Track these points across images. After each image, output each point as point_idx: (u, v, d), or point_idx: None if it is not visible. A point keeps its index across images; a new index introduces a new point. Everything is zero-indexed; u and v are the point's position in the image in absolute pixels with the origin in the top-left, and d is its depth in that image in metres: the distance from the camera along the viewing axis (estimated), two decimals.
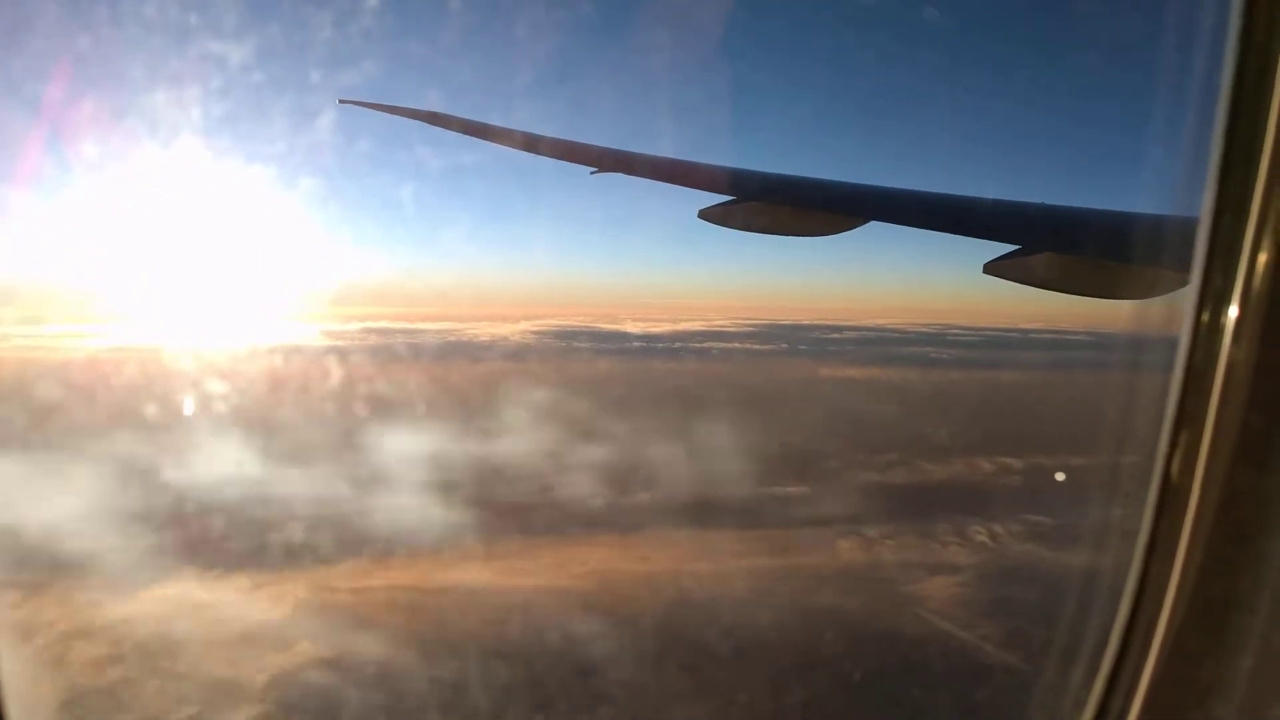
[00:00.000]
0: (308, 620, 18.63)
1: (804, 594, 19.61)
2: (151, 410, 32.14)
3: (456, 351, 61.38)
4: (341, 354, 49.30)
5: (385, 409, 34.38)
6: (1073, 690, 2.06)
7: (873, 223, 7.14)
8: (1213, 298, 1.66)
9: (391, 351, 54.15)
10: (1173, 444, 1.72)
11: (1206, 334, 1.67)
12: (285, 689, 15.59)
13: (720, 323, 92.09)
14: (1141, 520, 1.82)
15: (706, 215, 7.47)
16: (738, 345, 75.39)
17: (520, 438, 32.03)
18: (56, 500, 23.73)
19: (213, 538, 21.92)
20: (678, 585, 20.14)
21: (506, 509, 24.73)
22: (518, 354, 62.85)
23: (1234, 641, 1.65)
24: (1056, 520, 25.67)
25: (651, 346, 72.61)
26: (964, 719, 15.38)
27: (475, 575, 21.42)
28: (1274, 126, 1.55)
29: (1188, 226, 1.71)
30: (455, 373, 49.37)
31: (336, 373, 41.39)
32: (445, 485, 26.43)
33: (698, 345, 74.48)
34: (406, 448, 29.50)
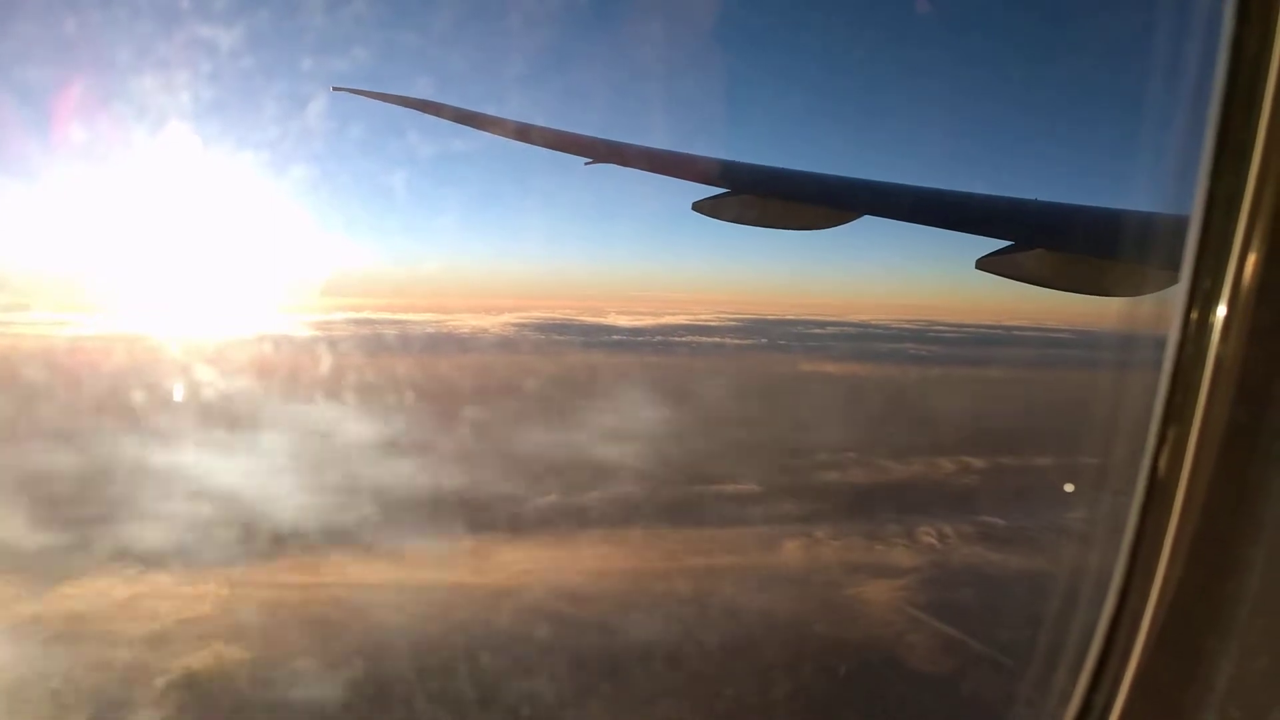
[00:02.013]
0: (239, 617, 18.39)
1: (741, 595, 19.39)
2: (124, 399, 32.07)
3: (433, 344, 61.26)
4: (319, 345, 49.27)
5: (347, 402, 34.25)
6: (1057, 685, 2.07)
7: (866, 217, 7.14)
8: (1202, 295, 1.66)
9: (369, 343, 53.96)
10: (1160, 440, 1.73)
11: (1195, 331, 1.67)
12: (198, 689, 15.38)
13: (704, 316, 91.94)
14: (1121, 517, 1.84)
15: (700, 207, 7.45)
16: (718, 339, 75.19)
17: (470, 434, 31.74)
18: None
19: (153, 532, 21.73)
20: (607, 586, 19.92)
21: (444, 507, 24.46)
22: (494, 347, 62.69)
23: (1219, 636, 1.66)
24: (1008, 521, 25.50)
25: (631, 340, 72.43)
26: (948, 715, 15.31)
27: (407, 574, 21.19)
28: (1266, 125, 1.55)
29: (1178, 224, 1.72)
30: (425, 366, 49.16)
31: (310, 365, 41.35)
32: (383, 482, 26.22)
33: (678, 339, 74.20)
34: (355, 442, 29.35)
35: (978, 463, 32.95)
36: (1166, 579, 1.72)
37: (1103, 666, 1.87)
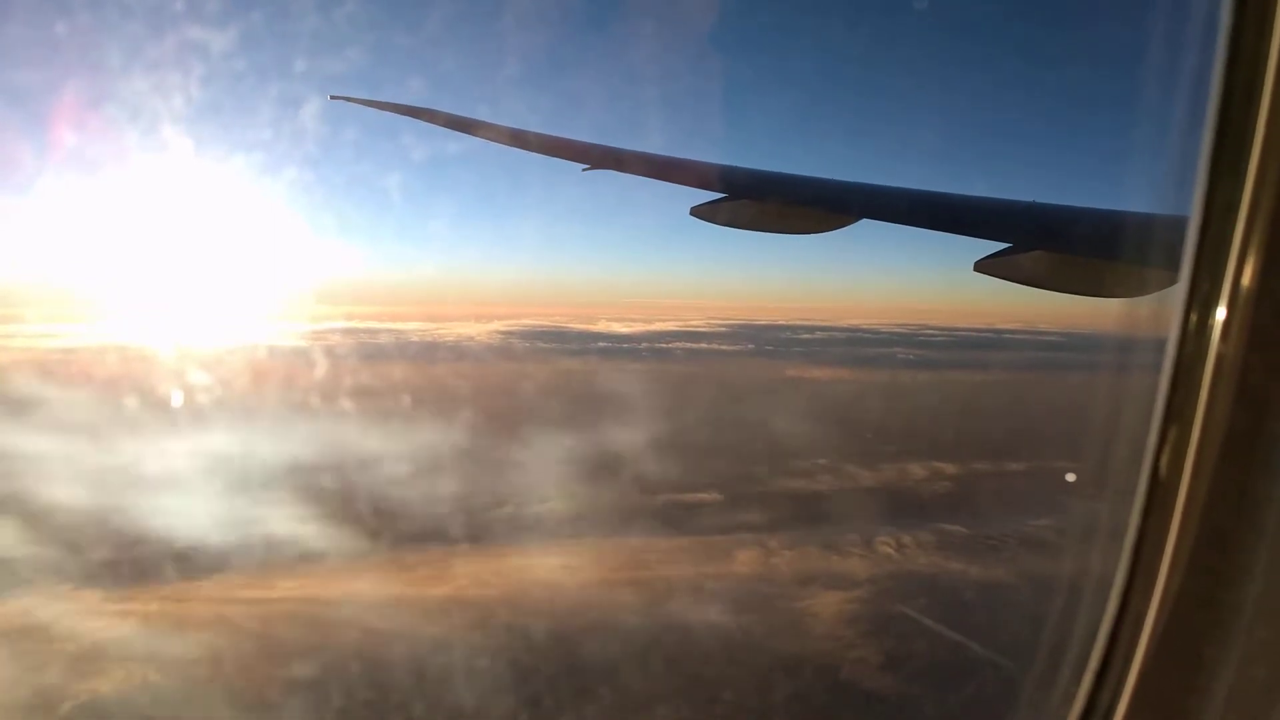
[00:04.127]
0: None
1: (676, 606, 19.02)
2: (109, 411, 31.95)
3: (417, 353, 61.02)
4: (302, 357, 48.99)
5: (318, 416, 34.03)
6: (1060, 688, 2.08)
7: (864, 221, 7.07)
8: (1201, 296, 1.67)
9: (352, 354, 53.58)
10: (1161, 442, 1.74)
11: (1195, 332, 1.68)
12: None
13: (695, 322, 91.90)
14: (1117, 519, 1.85)
15: (698, 212, 7.40)
16: (706, 346, 75.01)
17: (431, 446, 31.41)
18: None
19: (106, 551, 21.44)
20: (558, 599, 19.59)
21: (396, 518, 24.14)
22: (478, 356, 62.41)
23: (1221, 636, 1.66)
24: (970, 530, 25.07)
25: (618, 347, 72.26)
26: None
27: (363, 587, 20.90)
28: (1263, 127, 1.56)
29: (1177, 226, 1.72)
30: (403, 376, 48.97)
31: (289, 377, 41.16)
32: (348, 493, 25.93)
33: (666, 346, 74.00)
34: (318, 455, 29.09)
35: (950, 469, 32.50)
36: (1169, 581, 1.72)
37: (1105, 669, 1.88)
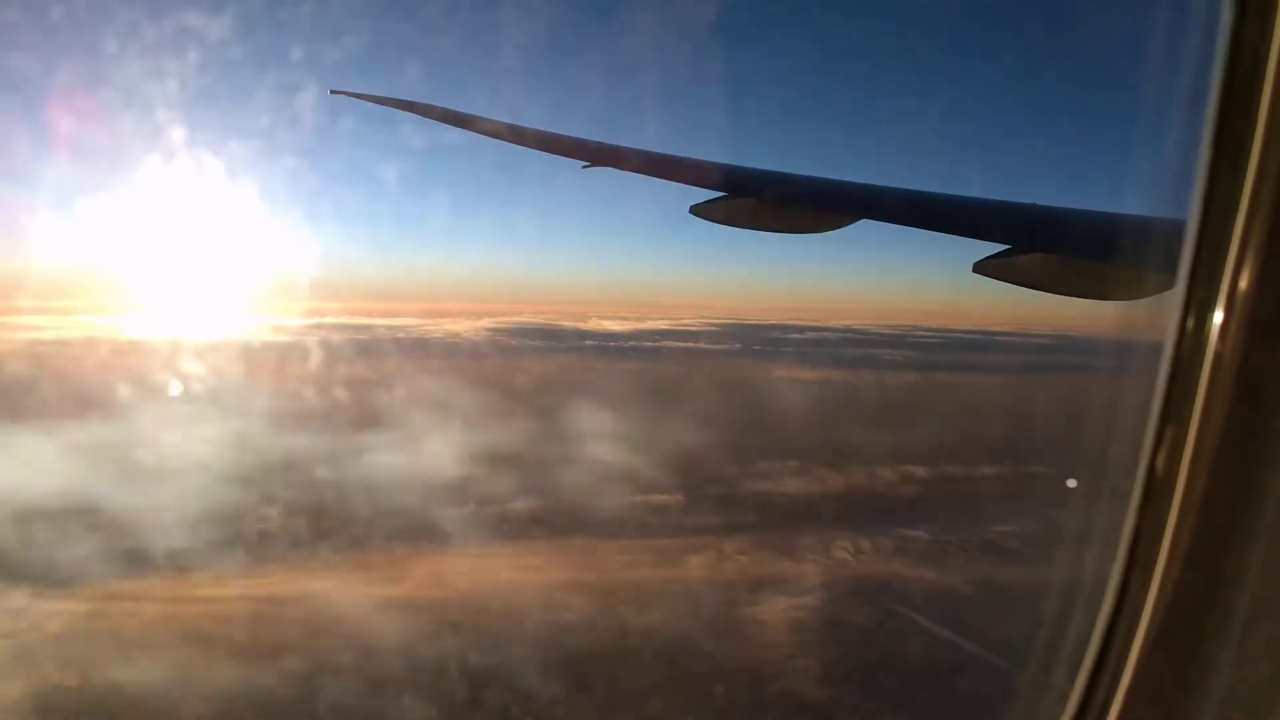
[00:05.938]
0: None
1: (621, 610, 19.00)
2: (88, 403, 32.04)
3: (402, 350, 61.15)
4: (287, 353, 49.07)
5: (298, 412, 34.10)
6: (1055, 685, 2.09)
7: (864, 221, 7.07)
8: (1199, 297, 1.68)
9: (336, 351, 53.59)
10: (1158, 441, 1.75)
11: (1193, 333, 1.69)
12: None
13: (687, 321, 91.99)
14: (1102, 521, 1.89)
15: (697, 210, 7.39)
16: (696, 345, 74.94)
17: (395, 445, 31.42)
18: None
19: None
20: (510, 601, 19.58)
21: (361, 517, 24.16)
22: (462, 353, 62.42)
23: (1217, 634, 1.67)
24: (931, 535, 24.98)
25: (605, 345, 72.21)
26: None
27: (322, 586, 20.90)
28: (1262, 129, 1.56)
29: (1176, 229, 1.74)
30: (384, 373, 49.02)
31: (270, 374, 41.31)
32: (319, 491, 25.96)
33: (653, 344, 73.91)
34: (297, 451, 29.16)
35: (920, 472, 32.36)
36: (1165, 579, 1.73)
37: (1101, 666, 1.88)
